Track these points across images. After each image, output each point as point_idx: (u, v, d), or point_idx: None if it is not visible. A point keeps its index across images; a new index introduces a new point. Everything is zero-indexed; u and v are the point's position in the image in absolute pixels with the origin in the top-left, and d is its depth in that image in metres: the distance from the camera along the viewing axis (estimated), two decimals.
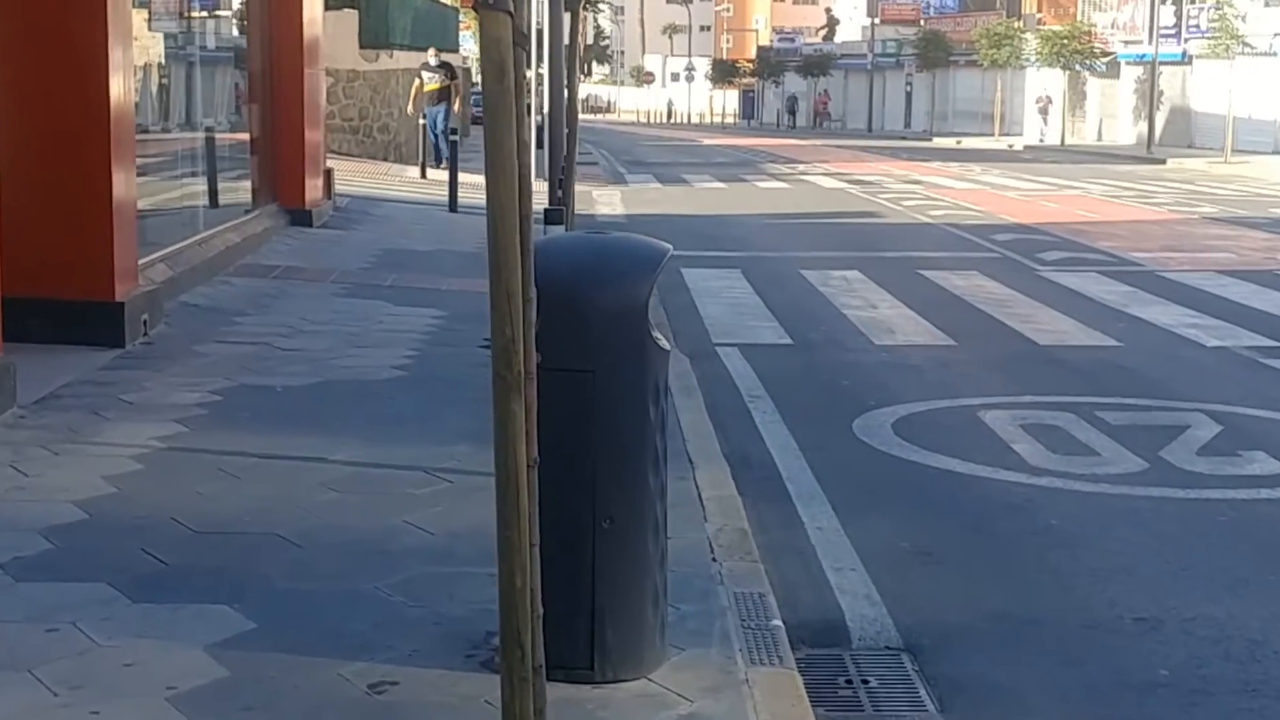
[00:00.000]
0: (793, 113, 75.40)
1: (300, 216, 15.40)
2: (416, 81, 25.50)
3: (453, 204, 19.12)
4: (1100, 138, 52.85)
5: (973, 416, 8.60)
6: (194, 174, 13.01)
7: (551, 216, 16.24)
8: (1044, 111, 56.03)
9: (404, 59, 29.33)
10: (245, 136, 14.72)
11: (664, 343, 4.55)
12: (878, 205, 24.01)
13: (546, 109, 27.88)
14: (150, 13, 11.73)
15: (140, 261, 10.38)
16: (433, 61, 25.65)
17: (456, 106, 25.91)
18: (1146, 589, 5.73)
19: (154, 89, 12.00)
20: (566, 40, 20.21)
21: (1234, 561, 6.10)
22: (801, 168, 36.32)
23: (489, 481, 3.42)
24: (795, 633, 5.04)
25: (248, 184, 14.80)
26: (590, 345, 4.33)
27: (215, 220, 13.13)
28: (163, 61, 12.30)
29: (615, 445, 4.35)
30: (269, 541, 5.58)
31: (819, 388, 9.48)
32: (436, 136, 25.12)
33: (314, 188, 15.84)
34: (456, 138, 22.72)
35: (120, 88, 9.51)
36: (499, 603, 3.33)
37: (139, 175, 11.12)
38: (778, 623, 4.94)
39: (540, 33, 28.22)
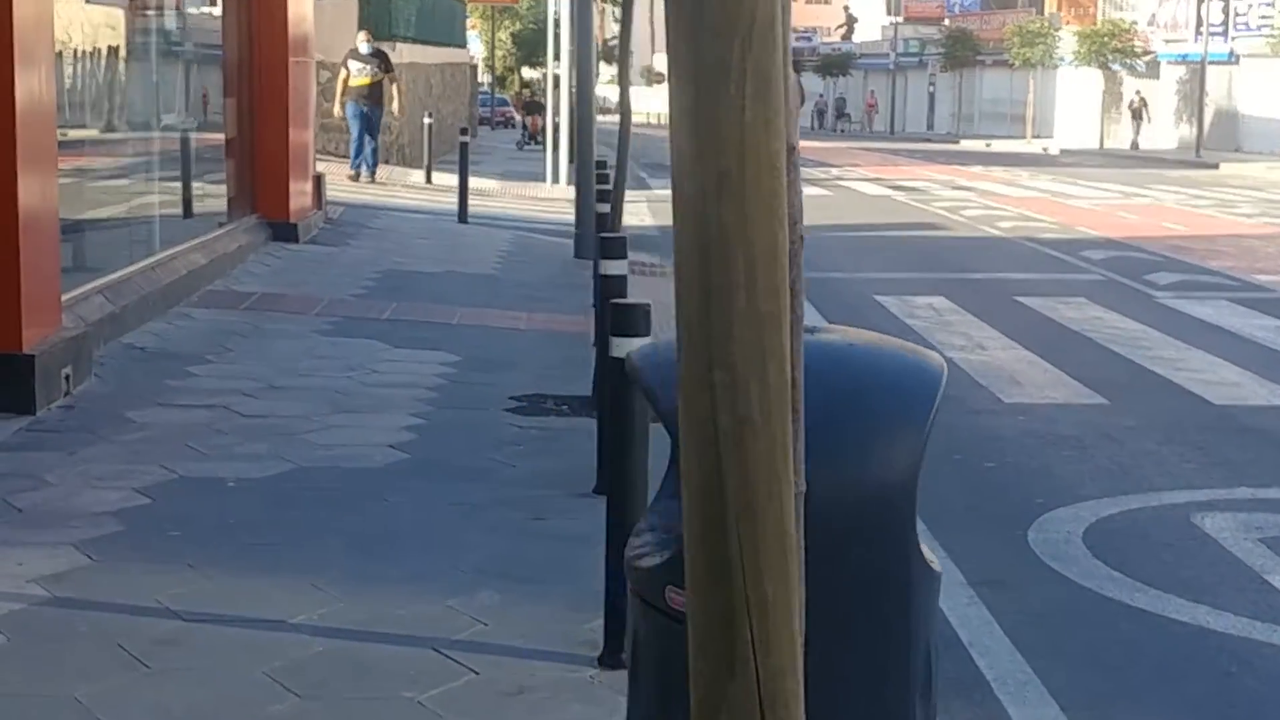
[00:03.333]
0: (841, 114, 72.73)
1: (284, 230, 13.07)
2: (343, 73, 19.50)
3: (462, 214, 16.78)
4: (1137, 143, 49.97)
5: (1186, 523, 6.25)
6: (151, 181, 10.67)
7: (584, 241, 13.71)
8: (1138, 114, 50.46)
9: (408, 53, 26.99)
10: (219, 136, 12.39)
11: (934, 563, 2.32)
12: (935, 215, 21.64)
13: (563, 112, 25.62)
14: None
15: (67, 296, 8.07)
16: (363, 48, 19.50)
17: (395, 108, 20.68)
18: None
19: (99, 79, 9.68)
20: (601, 35, 17.94)
21: None
22: (835, 172, 33.96)
23: (543, 673, 1.54)
24: None
25: (222, 192, 12.49)
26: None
27: (177, 236, 10.81)
28: (116, 46, 9.98)
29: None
30: None
31: (959, 473, 7.14)
32: (360, 144, 19.69)
33: (300, 196, 13.51)
34: (376, 145, 19.86)
35: (35, 78, 7.19)
36: None
37: (78, 185, 8.83)
38: None
39: (558, 24, 25.93)
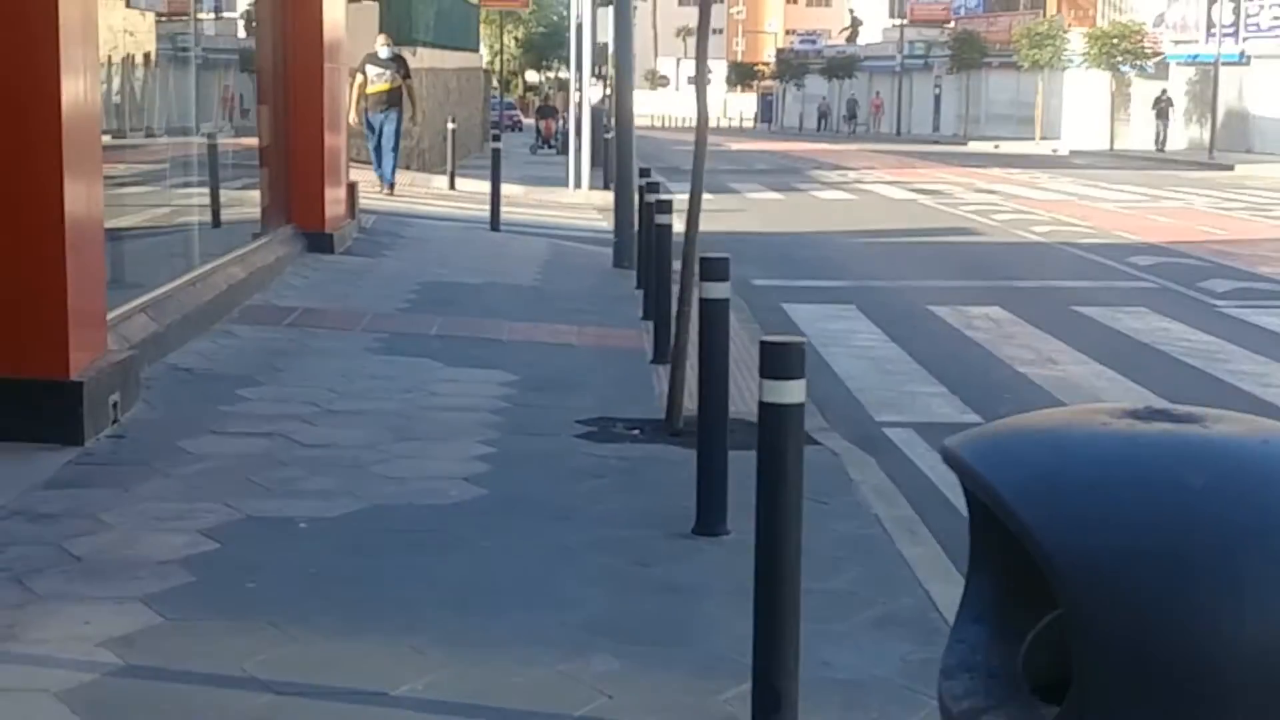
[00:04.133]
0: (853, 116, 72.24)
1: (319, 241, 12.66)
2: (359, 79, 18.16)
3: (494, 222, 16.37)
4: (1163, 144, 48.93)
5: None
6: (188, 191, 10.26)
7: (623, 250, 13.07)
8: (1163, 114, 48.63)
9: (428, 57, 26.59)
10: (253, 144, 11.98)
11: None
12: (965, 220, 21.22)
13: (584, 117, 25.19)
14: None
15: (112, 315, 7.66)
16: (382, 53, 18.41)
17: (414, 115, 19.33)
18: None
19: (134, 86, 9.27)
20: (624, 31, 17.57)
21: None
22: (852, 175, 33.57)
23: None
24: None
25: (256, 202, 12.07)
26: None
27: (215, 249, 10.40)
28: (149, 52, 9.57)
29: None
30: None
31: None
32: (378, 153, 18.64)
33: (335, 205, 13.10)
34: (395, 157, 18.67)
35: (80, 85, 6.79)
36: None
37: (116, 196, 8.42)
38: None
39: (580, 29, 25.49)
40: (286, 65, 12.36)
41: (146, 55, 9.58)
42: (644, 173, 12.46)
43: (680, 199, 23.97)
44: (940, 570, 5.29)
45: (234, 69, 12.01)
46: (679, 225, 9.33)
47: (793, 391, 3.77)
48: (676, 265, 12.91)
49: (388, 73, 18.32)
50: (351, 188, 13.79)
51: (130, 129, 9.18)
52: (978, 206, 23.59)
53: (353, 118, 17.88)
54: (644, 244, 12.20)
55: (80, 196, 6.81)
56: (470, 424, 7.39)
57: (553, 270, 13.46)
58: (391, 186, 18.77)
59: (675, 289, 9.95)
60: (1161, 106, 48.89)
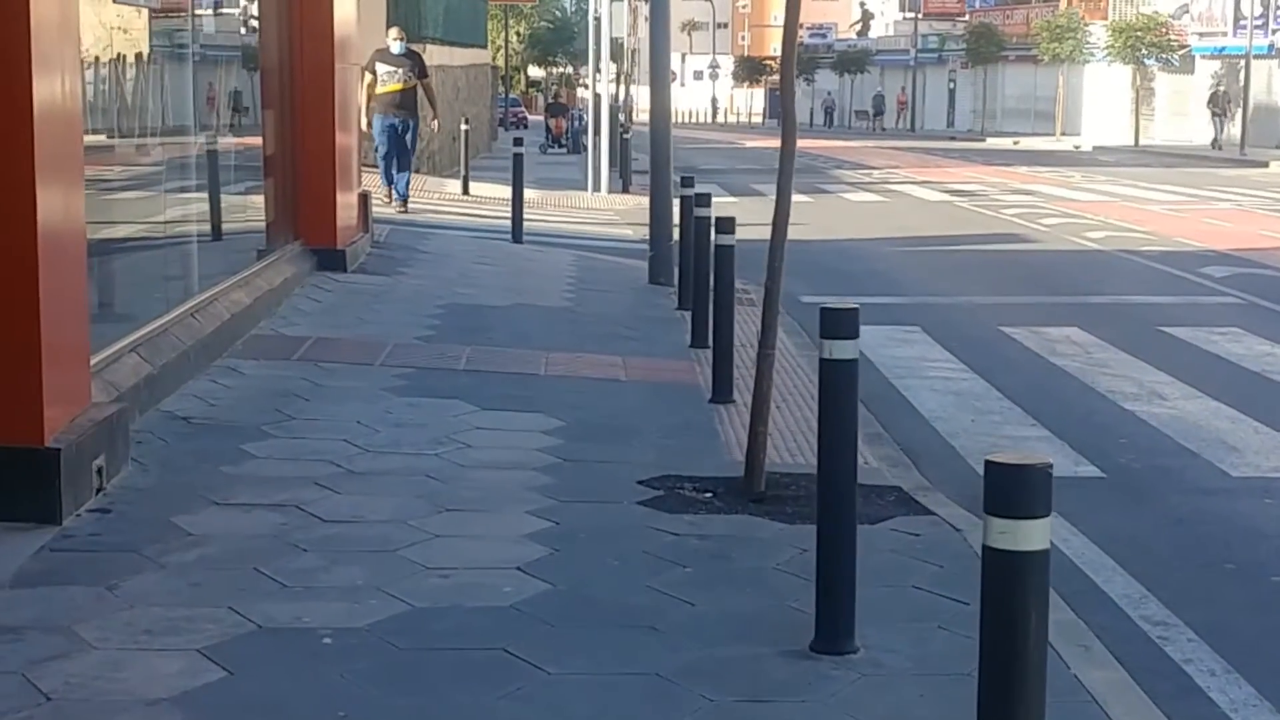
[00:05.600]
0: (880, 112, 70.86)
1: (330, 258, 11.56)
2: (368, 79, 15.91)
3: (516, 232, 15.26)
4: (1220, 143, 46.52)
5: None
6: (185, 207, 9.15)
7: (660, 266, 11.57)
8: (1222, 110, 45.04)
9: (437, 54, 25.48)
10: (257, 153, 10.89)
11: None
12: (1013, 225, 20.07)
13: (603, 116, 24.10)
14: None
15: (97, 357, 6.58)
16: (394, 48, 16.26)
17: (434, 123, 17.42)
18: None
19: (123, 89, 8.17)
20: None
21: None
22: (877, 174, 32.44)
23: None
24: None
25: (261, 216, 10.98)
26: None
27: (216, 270, 9.31)
28: (140, 53, 8.47)
29: None
30: None
31: (1242, 589, 5.63)
32: (391, 161, 16.40)
33: (348, 218, 12.00)
34: (409, 168, 16.52)
35: (57, 85, 5.70)
36: None
37: (100, 213, 7.34)
38: None
39: (599, 23, 24.39)
40: (294, 65, 11.27)
41: (140, 54, 8.48)
42: (686, 181, 11.35)
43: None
44: (1141, 711, 4.20)
45: (237, 68, 10.92)
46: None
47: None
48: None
49: (401, 71, 16.16)
50: (364, 198, 12.68)
51: (120, 134, 8.09)
52: (1019, 209, 22.46)
53: (364, 123, 15.78)
54: (686, 260, 11.11)
55: (56, 211, 5.71)
56: (516, 487, 6.30)
57: (584, 288, 12.36)
58: (404, 201, 16.65)
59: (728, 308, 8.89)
60: (1220, 102, 45.68)
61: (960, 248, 17.28)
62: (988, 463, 2.92)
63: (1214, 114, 45.83)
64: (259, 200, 10.97)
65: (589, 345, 9.72)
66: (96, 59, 7.49)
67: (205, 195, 9.61)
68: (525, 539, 5.58)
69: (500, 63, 65.64)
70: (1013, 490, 2.78)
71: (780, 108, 6.74)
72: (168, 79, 8.79)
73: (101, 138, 7.83)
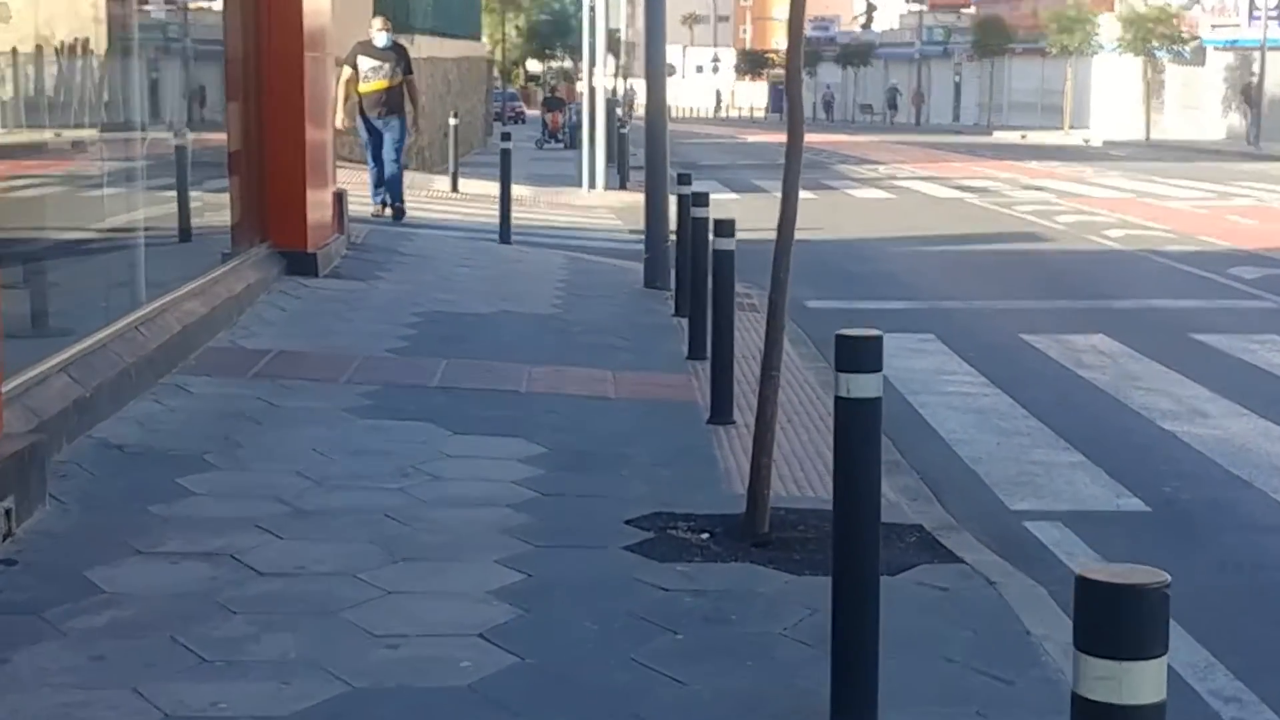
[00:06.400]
0: (894, 106, 69.81)
1: (300, 262, 10.77)
2: (347, 73, 14.72)
3: (504, 233, 14.48)
4: (1256, 137, 44.67)
5: None
6: (134, 208, 8.36)
7: (656, 269, 10.71)
8: (1256, 105, 42.62)
9: (426, 46, 24.69)
10: (221, 149, 10.11)
11: None
12: (1027, 223, 19.27)
13: (598, 109, 23.29)
14: None
15: (13, 382, 5.83)
16: (378, 40, 14.84)
17: (415, 121, 15.42)
18: None
19: (68, 79, 7.39)
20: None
21: None
22: (883, 170, 31.64)
23: None
24: None
25: (225, 217, 10.21)
26: None
27: (170, 279, 8.53)
28: (87, 39, 7.70)
29: None
30: None
31: None
32: (380, 165, 15.00)
33: (320, 218, 11.22)
34: (399, 173, 15.01)
35: None
36: None
37: (32, 212, 6.59)
38: None
39: (594, 14, 23.53)
40: (260, 55, 10.49)
41: (83, 41, 7.70)
42: (683, 179, 10.58)
43: (715, 199, 21.90)
44: None
45: (194, 56, 10.15)
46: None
47: None
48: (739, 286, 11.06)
49: (386, 66, 14.78)
50: (339, 197, 11.89)
51: (55, 129, 7.31)
52: (1033, 206, 21.66)
53: (340, 120, 14.53)
54: (683, 263, 10.35)
55: None
56: (486, 529, 5.53)
57: (574, 292, 11.58)
58: (396, 210, 15.10)
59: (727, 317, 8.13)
60: (1253, 95, 43.51)
61: (974, 247, 16.49)
62: (1079, 580, 2.12)
63: (1248, 107, 44.30)
64: (222, 200, 10.19)
65: (577, 357, 8.94)
66: (37, 46, 6.73)
67: (156, 195, 8.83)
68: (492, 596, 4.80)
69: (499, 56, 64.81)
70: (1117, 621, 1.99)
71: (785, 101, 5.97)
72: (112, 68, 8.00)
73: (33, 132, 7.08)
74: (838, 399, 3.86)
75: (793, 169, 5.65)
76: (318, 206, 11.17)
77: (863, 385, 3.69)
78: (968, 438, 7.63)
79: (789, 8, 5.71)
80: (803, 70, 5.80)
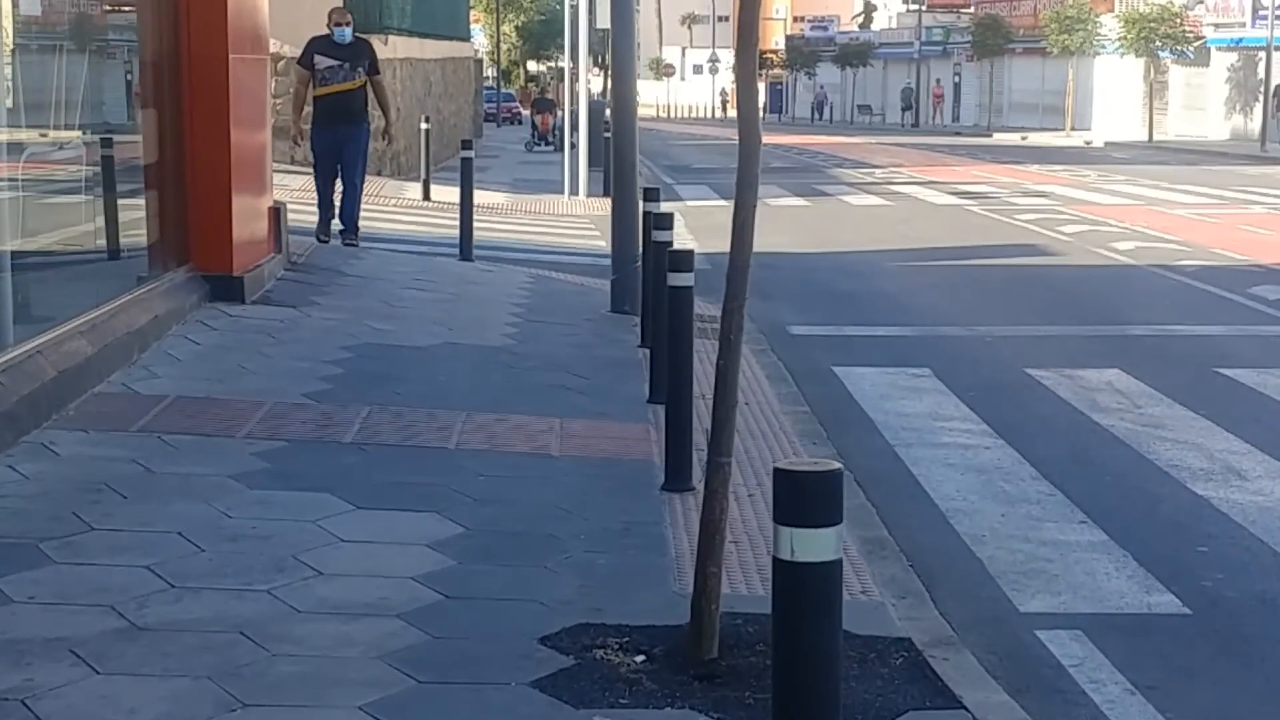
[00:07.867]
0: (909, 107, 68.43)
1: (225, 287, 9.65)
2: (302, 74, 12.82)
3: (464, 249, 13.36)
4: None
5: None
6: (12, 231, 7.24)
7: (623, 290, 9.79)
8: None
9: (403, 46, 23.57)
10: (134, 161, 9.01)
11: None
12: (1030, 233, 18.14)
13: (581, 111, 22.18)
14: None
15: None
16: (338, 36, 12.69)
17: (387, 130, 13.46)
18: None
19: None
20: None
21: None
22: (880, 174, 30.52)
23: None
24: None
25: (140, 238, 9.12)
26: None
27: (48, 312, 7.44)
28: None
29: None
30: None
31: None
32: (330, 186, 12.86)
33: (249, 236, 10.10)
34: (359, 192, 12.81)
35: None
36: None
37: None
38: None
39: (575, 9, 22.43)
40: (179, 56, 9.39)
41: None
42: (650, 194, 9.47)
43: (691, 205, 20.74)
44: None
45: (106, 60, 9.05)
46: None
47: None
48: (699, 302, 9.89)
49: (345, 67, 12.64)
50: (276, 212, 10.77)
51: None
52: (1036, 214, 20.54)
53: (299, 123, 13.18)
54: (647, 290, 9.26)
55: None
56: (363, 654, 4.42)
57: (533, 319, 10.45)
58: (354, 234, 12.92)
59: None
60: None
61: (974, 261, 15.36)
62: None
63: (1277, 108, 42.43)
64: (136, 218, 9.10)
65: (522, 403, 7.82)
66: None
67: (66, 215, 7.74)
68: None
69: (496, 57, 63.71)
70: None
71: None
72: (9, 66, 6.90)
73: None
74: (777, 561, 2.74)
75: (746, 178, 4.54)
76: (247, 223, 10.06)
77: (813, 545, 2.58)
78: (967, 507, 6.51)
79: (738, 9, 4.62)
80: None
